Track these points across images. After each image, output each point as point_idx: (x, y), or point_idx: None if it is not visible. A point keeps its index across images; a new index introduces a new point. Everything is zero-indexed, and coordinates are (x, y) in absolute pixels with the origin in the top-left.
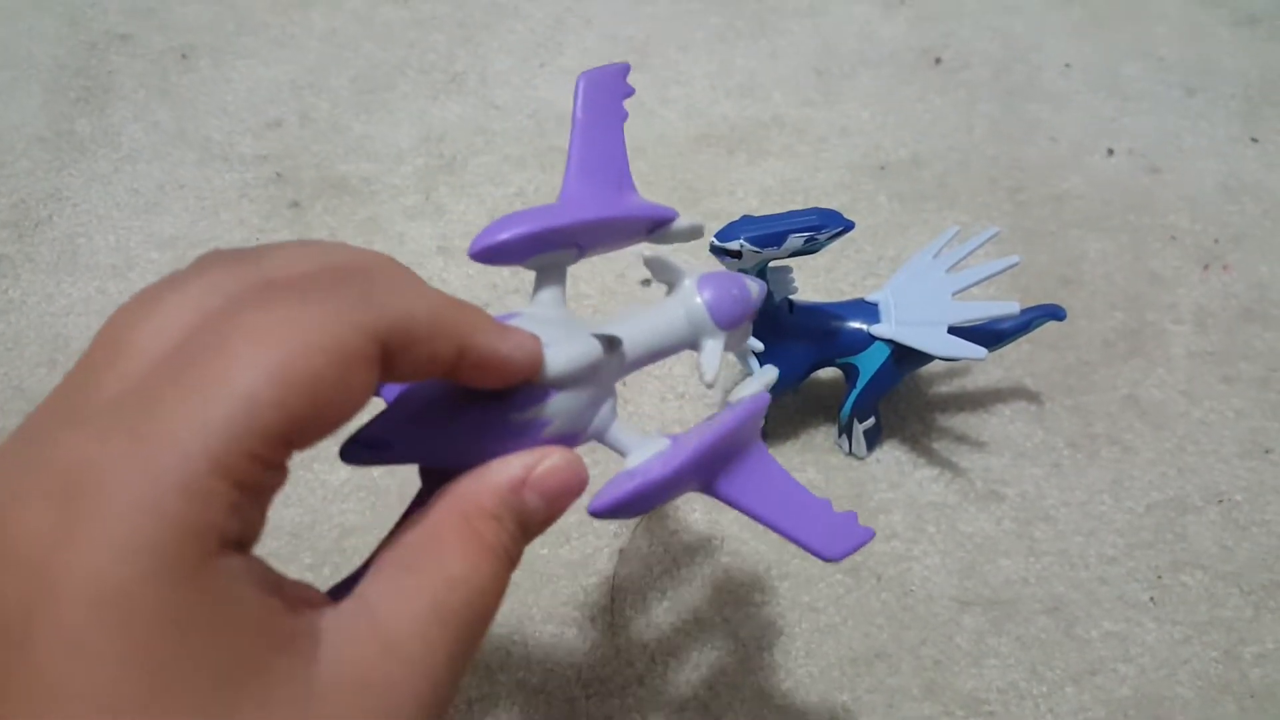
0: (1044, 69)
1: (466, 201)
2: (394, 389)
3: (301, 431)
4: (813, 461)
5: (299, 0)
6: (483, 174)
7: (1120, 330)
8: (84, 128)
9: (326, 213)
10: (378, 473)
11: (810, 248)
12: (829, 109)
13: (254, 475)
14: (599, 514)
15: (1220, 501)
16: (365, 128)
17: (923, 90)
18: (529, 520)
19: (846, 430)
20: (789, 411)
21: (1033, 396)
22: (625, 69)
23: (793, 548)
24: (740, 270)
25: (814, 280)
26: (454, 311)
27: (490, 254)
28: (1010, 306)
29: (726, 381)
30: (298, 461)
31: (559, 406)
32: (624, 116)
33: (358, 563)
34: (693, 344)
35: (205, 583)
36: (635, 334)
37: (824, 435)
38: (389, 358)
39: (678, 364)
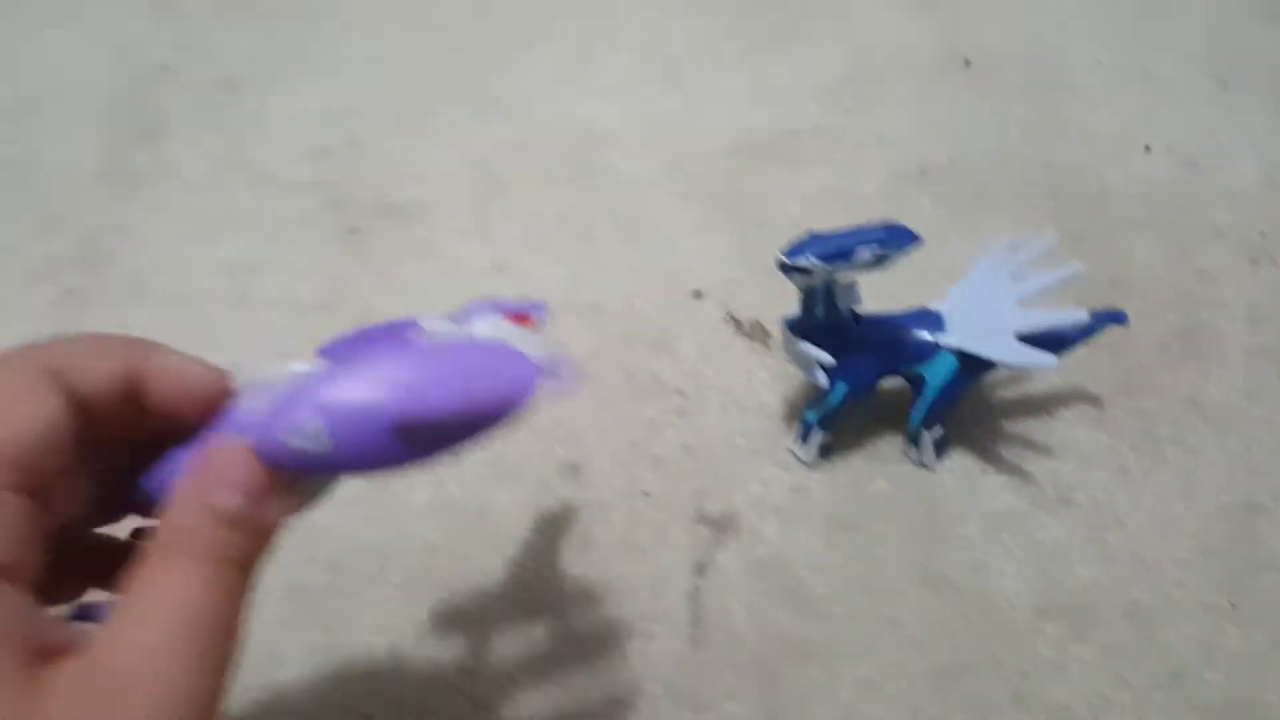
0: (1074, 68)
1: (516, 221)
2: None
3: (10, 452)
4: (882, 472)
5: (338, 28)
6: (528, 194)
7: (1175, 331)
8: (141, 160)
9: (383, 237)
10: (458, 492)
11: (880, 263)
12: (863, 115)
13: None
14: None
15: None
16: (412, 151)
17: (955, 93)
18: (236, 517)
19: (915, 440)
20: (857, 423)
21: (1093, 400)
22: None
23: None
24: (809, 286)
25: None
26: (119, 341)
27: None
28: (1078, 314)
29: (789, 393)
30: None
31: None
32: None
33: (441, 582)
34: None
35: None
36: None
37: (891, 445)
38: (62, 377)
39: (737, 375)
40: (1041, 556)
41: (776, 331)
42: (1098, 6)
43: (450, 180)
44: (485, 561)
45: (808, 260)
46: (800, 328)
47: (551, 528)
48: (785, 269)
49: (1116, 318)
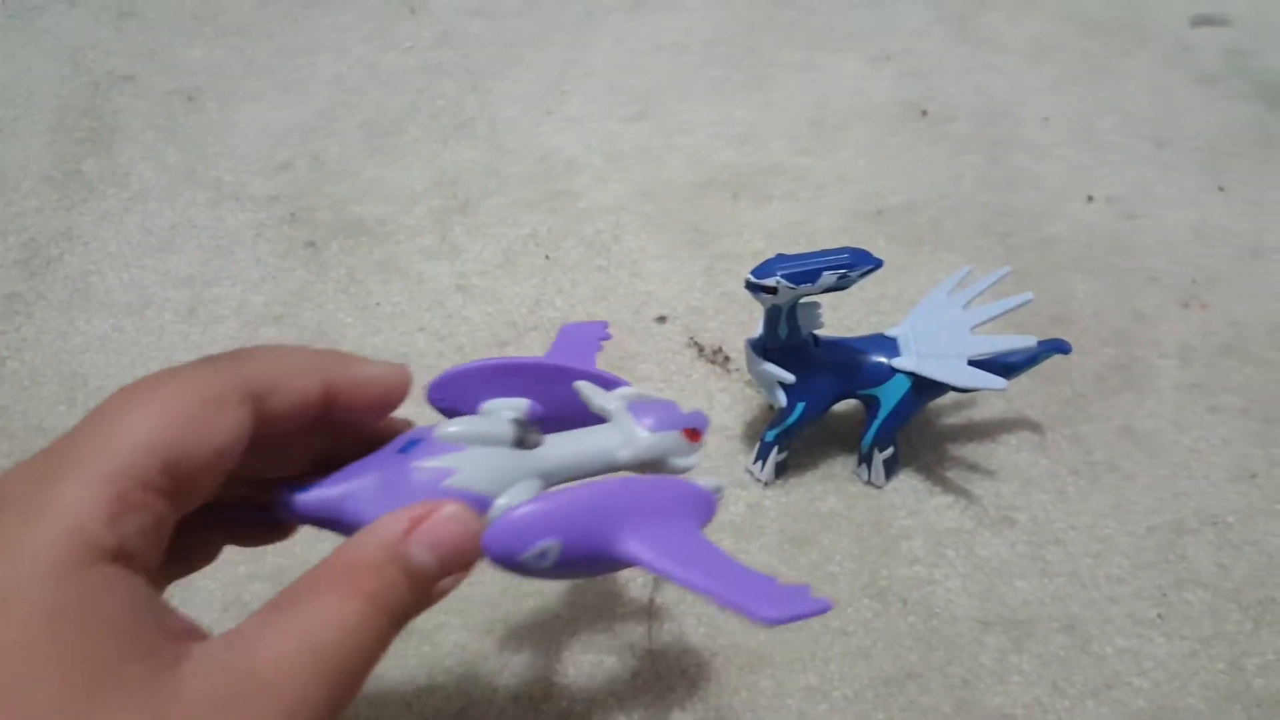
0: (1024, 122)
1: (482, 241)
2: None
3: (174, 459)
4: (833, 490)
5: (304, 46)
6: (496, 216)
7: (1111, 365)
8: (91, 167)
9: (343, 252)
10: None
11: (842, 284)
12: (826, 157)
13: (133, 492)
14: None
15: (1214, 523)
16: (377, 170)
17: (912, 141)
18: (419, 573)
19: (866, 459)
20: (810, 443)
21: (1035, 427)
22: (603, 326)
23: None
24: (774, 305)
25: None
26: (317, 356)
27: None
28: (1027, 340)
29: (748, 416)
30: None
31: (460, 461)
32: (595, 350)
33: None
34: (641, 465)
35: (78, 584)
36: (566, 444)
37: (842, 465)
38: (259, 399)
39: (698, 398)
40: (984, 572)
41: (737, 357)
42: (1047, 68)
43: (416, 199)
44: None
45: (775, 280)
46: (763, 347)
47: None
48: (753, 288)
49: (1061, 347)
